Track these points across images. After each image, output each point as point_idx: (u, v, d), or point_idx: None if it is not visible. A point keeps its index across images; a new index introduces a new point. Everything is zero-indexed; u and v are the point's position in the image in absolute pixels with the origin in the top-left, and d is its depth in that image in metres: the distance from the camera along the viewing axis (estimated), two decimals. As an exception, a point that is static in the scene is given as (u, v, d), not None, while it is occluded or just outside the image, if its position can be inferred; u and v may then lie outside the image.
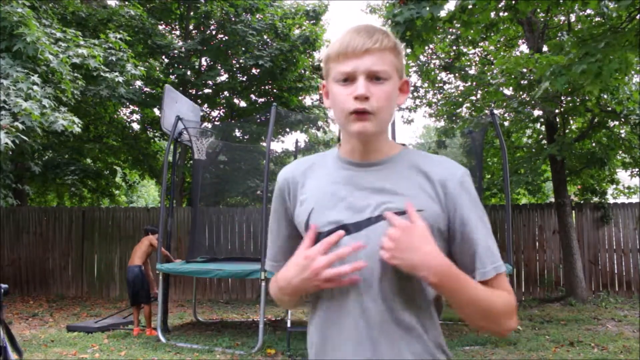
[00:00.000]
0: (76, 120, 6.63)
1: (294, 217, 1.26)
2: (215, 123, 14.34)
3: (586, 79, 4.66)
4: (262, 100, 13.64)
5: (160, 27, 13.30)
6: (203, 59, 13.34)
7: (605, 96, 8.35)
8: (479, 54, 12.35)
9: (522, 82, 8.18)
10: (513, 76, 7.64)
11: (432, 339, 1.15)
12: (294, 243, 1.24)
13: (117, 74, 7.70)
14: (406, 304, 1.13)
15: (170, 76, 12.58)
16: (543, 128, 10.78)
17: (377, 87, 1.13)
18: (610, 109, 8.86)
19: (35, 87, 6.07)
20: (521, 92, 9.02)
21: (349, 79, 1.13)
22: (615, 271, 10.37)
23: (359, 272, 1.11)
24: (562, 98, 9.02)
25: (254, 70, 12.67)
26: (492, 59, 11.00)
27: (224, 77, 13.11)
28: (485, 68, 11.35)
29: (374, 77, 1.13)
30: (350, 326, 1.13)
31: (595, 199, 10.78)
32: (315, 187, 1.22)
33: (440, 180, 1.16)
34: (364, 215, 1.14)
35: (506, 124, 10.59)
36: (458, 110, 11.87)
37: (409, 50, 5.07)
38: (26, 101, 5.89)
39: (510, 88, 9.02)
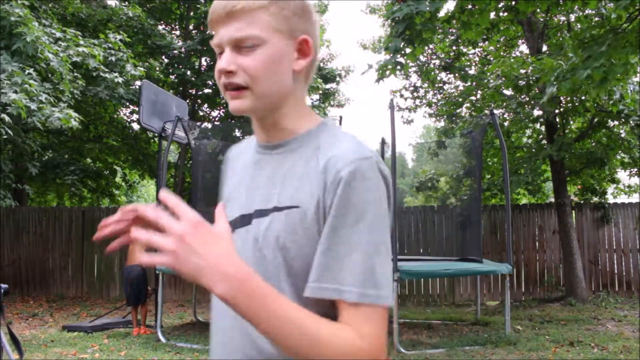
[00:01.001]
0: (73, 114, 6.59)
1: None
2: (215, 123, 14.35)
3: (591, 84, 4.66)
4: (262, 100, 13.64)
5: (160, 27, 13.29)
6: (203, 59, 13.34)
7: (604, 98, 8.36)
8: (479, 54, 12.36)
9: (520, 83, 8.18)
10: (511, 79, 7.64)
11: None
12: None
13: (116, 74, 7.70)
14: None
15: (170, 76, 12.58)
16: (543, 128, 10.78)
17: (245, 57, 0.93)
18: (609, 110, 8.87)
19: (31, 81, 6.04)
20: (520, 93, 9.02)
21: (222, 51, 0.96)
22: (615, 271, 10.37)
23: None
24: (562, 98, 9.02)
25: (254, 70, 12.67)
26: (492, 59, 11.00)
27: (224, 77, 13.11)
28: (486, 68, 11.35)
29: (242, 46, 0.93)
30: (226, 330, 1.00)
31: (595, 199, 10.78)
32: (234, 171, 1.10)
33: (331, 169, 0.90)
34: (254, 206, 0.99)
35: (506, 124, 10.59)
36: (458, 111, 11.87)
37: (408, 50, 5.07)
38: (17, 94, 5.85)
39: (510, 88, 9.02)
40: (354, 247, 0.86)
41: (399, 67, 5.11)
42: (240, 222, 1.01)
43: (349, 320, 0.85)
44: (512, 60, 8.08)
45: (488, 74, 8.67)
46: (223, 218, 0.87)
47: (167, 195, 0.87)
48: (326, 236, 0.88)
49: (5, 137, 6.27)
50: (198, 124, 12.92)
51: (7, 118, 5.85)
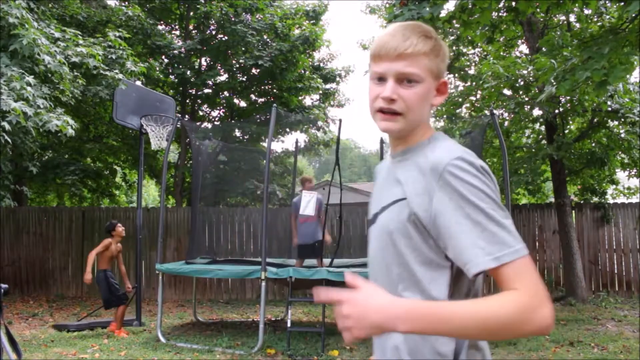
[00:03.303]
0: (70, 121, 6.61)
1: None
2: (215, 123, 14.35)
3: (590, 85, 4.66)
4: (262, 100, 13.65)
5: (160, 27, 13.29)
6: (203, 59, 13.34)
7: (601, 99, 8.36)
8: (479, 54, 12.35)
9: (519, 82, 8.19)
10: (504, 80, 7.65)
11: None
12: None
13: (117, 71, 7.70)
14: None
15: (170, 76, 12.58)
16: (543, 128, 10.78)
17: (407, 90, 1.17)
18: (610, 109, 8.86)
19: (28, 88, 6.05)
20: (519, 93, 9.02)
21: (381, 78, 1.19)
22: (615, 271, 10.37)
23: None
24: (561, 98, 9.02)
25: (253, 70, 12.67)
26: (492, 59, 10.99)
27: (223, 77, 13.11)
28: (483, 69, 11.34)
29: (404, 80, 1.17)
30: None
31: (595, 199, 10.77)
32: (377, 180, 1.37)
33: (430, 166, 1.13)
34: (379, 204, 1.23)
35: (506, 124, 10.59)
36: (458, 111, 11.87)
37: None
38: (17, 101, 5.87)
39: (507, 88, 9.02)
40: (472, 223, 1.06)
41: None
42: (372, 220, 1.26)
43: (510, 279, 1.06)
44: (505, 59, 8.09)
45: (484, 73, 8.66)
46: (359, 280, 1.07)
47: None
48: (447, 224, 1.08)
49: (6, 143, 6.27)
50: (198, 123, 12.93)
51: (7, 126, 5.86)
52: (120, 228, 7.37)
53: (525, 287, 1.03)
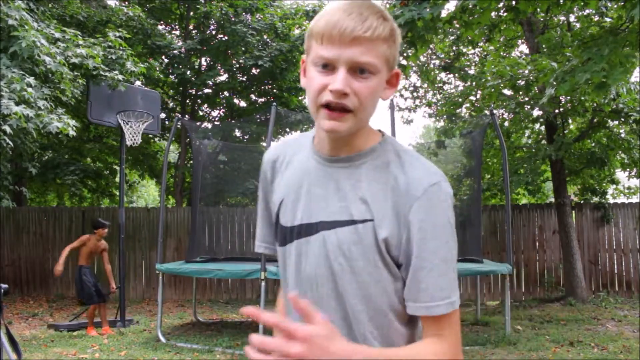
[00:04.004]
0: (71, 122, 6.63)
1: (270, 202, 1.17)
2: (215, 123, 14.35)
3: (590, 88, 4.66)
4: (262, 100, 13.64)
5: (160, 27, 13.29)
6: (203, 59, 13.34)
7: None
8: (479, 54, 12.36)
9: (519, 82, 8.19)
10: (507, 79, 7.66)
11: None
12: None
13: (116, 72, 7.69)
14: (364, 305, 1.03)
15: (170, 76, 12.58)
16: (543, 128, 10.78)
17: (360, 83, 0.97)
18: (610, 110, 8.86)
19: (29, 89, 6.06)
20: (520, 93, 9.02)
21: (328, 65, 0.97)
22: (615, 271, 10.37)
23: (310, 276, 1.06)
24: (561, 98, 9.03)
25: (253, 70, 12.67)
26: (492, 59, 11.00)
27: (223, 77, 13.11)
28: (485, 68, 11.35)
29: (357, 70, 0.96)
30: None
31: (595, 199, 10.77)
32: (289, 176, 1.12)
33: (406, 188, 0.99)
34: (319, 217, 1.04)
35: (506, 124, 10.59)
36: (458, 111, 11.87)
37: (410, 52, 5.07)
38: (18, 105, 5.88)
39: (508, 88, 9.02)
40: (436, 267, 0.97)
41: (401, 69, 5.11)
42: (305, 230, 1.06)
43: (437, 327, 1.00)
44: (508, 59, 8.08)
45: (486, 72, 8.66)
46: (316, 317, 0.89)
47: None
48: (415, 254, 0.98)
49: (6, 145, 6.27)
50: (198, 123, 12.92)
51: (8, 129, 5.86)
52: (103, 230, 7.43)
53: (450, 340, 1.02)
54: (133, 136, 8.01)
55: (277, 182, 1.15)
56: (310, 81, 1.00)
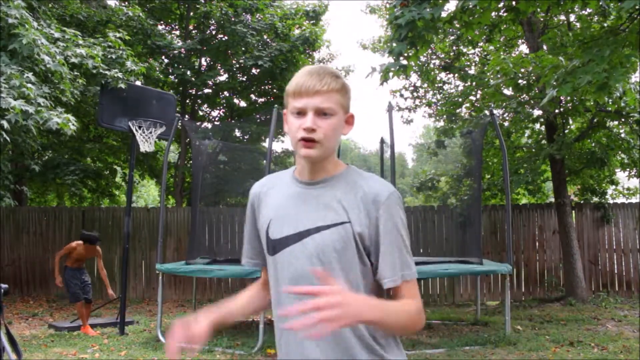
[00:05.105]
0: (72, 119, 6.60)
1: (258, 224, 1.53)
2: (215, 123, 14.35)
3: (592, 88, 4.66)
4: (262, 100, 13.65)
5: (160, 27, 13.29)
6: (203, 59, 13.34)
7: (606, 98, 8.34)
8: (479, 54, 12.35)
9: (520, 82, 8.19)
10: (510, 77, 7.65)
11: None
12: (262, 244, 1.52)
13: (116, 70, 7.67)
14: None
15: (170, 76, 12.58)
16: (543, 128, 10.78)
17: (323, 121, 1.35)
18: (609, 109, 8.86)
19: (29, 85, 6.05)
20: (520, 93, 9.01)
21: (301, 112, 1.37)
22: (615, 271, 10.37)
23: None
24: (562, 98, 9.02)
25: (253, 70, 12.67)
26: (492, 59, 10.99)
27: (223, 77, 13.11)
28: (485, 68, 11.34)
29: (321, 113, 1.35)
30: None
31: (595, 199, 10.77)
32: (274, 202, 1.48)
33: (372, 197, 1.37)
34: (307, 225, 1.38)
35: (506, 124, 10.58)
36: (458, 111, 11.86)
37: (411, 52, 5.06)
38: (16, 99, 5.86)
39: (510, 88, 9.01)
40: (396, 249, 1.37)
41: (402, 70, 5.10)
42: (298, 236, 1.40)
43: (406, 291, 1.37)
44: (512, 57, 8.06)
45: (488, 71, 8.64)
46: (335, 281, 1.23)
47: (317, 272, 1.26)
48: (383, 243, 1.36)
49: (5, 142, 6.27)
50: (198, 123, 12.92)
51: (6, 125, 5.85)
52: (94, 246, 7.46)
53: (415, 297, 1.37)
54: (147, 144, 7.66)
55: (263, 207, 1.50)
56: (290, 125, 1.40)
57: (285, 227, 1.42)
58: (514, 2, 5.53)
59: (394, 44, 4.98)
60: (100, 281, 10.92)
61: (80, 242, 7.39)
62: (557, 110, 9.33)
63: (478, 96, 11.22)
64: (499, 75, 7.72)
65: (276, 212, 1.45)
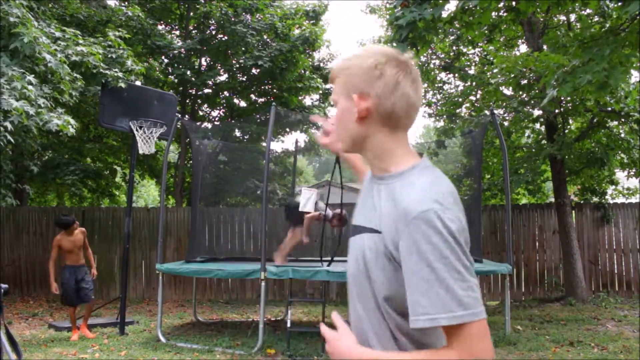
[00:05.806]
0: (71, 121, 6.62)
1: None
2: (215, 123, 14.35)
3: (592, 88, 4.66)
4: (262, 100, 13.64)
5: (160, 27, 13.29)
6: (203, 59, 13.34)
7: (607, 97, 8.34)
8: (479, 54, 12.35)
9: (521, 81, 8.19)
10: (512, 75, 7.65)
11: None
12: None
13: (116, 70, 7.67)
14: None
15: (170, 76, 12.58)
16: (543, 128, 10.78)
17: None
18: (610, 109, 8.86)
19: (30, 87, 6.05)
20: (521, 92, 9.01)
21: None
22: (615, 271, 10.37)
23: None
24: (562, 98, 9.03)
25: (253, 70, 12.67)
26: (492, 59, 10.99)
27: (223, 77, 13.11)
28: (485, 68, 11.34)
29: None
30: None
31: (595, 199, 10.78)
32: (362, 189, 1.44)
33: (401, 211, 1.13)
34: (359, 221, 1.29)
35: (506, 124, 10.58)
36: (458, 110, 11.87)
37: (412, 52, 5.06)
38: (18, 101, 5.87)
39: (510, 88, 9.02)
40: (419, 285, 1.08)
41: None
42: (354, 230, 1.31)
43: (452, 340, 1.08)
44: (517, 55, 8.04)
45: (490, 71, 8.65)
46: (339, 322, 1.29)
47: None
48: (404, 271, 1.12)
49: (8, 142, 6.27)
50: (198, 123, 12.92)
51: (9, 126, 5.86)
52: (74, 225, 7.38)
53: (462, 351, 1.06)
54: (147, 146, 7.63)
55: None
56: None
57: (355, 216, 1.34)
58: (514, 2, 5.54)
59: (395, 45, 4.99)
60: (101, 281, 10.96)
61: (62, 234, 7.37)
62: (557, 110, 9.33)
63: (478, 96, 11.23)
64: (499, 75, 7.72)
65: (359, 199, 1.38)
